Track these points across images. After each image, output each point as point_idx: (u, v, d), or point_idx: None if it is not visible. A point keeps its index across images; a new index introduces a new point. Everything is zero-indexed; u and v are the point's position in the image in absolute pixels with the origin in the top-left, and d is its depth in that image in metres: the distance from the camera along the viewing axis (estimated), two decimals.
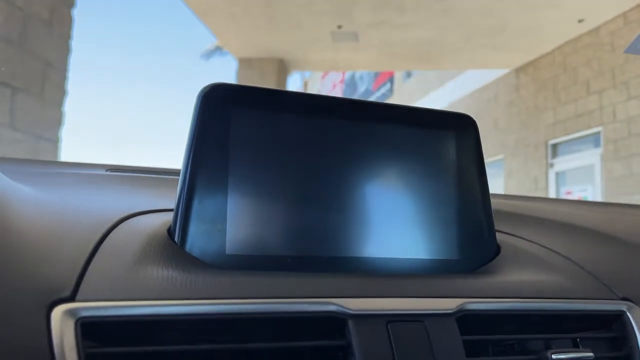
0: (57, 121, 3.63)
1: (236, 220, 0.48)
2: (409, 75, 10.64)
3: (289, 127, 0.51)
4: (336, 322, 0.43)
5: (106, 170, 0.72)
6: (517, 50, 6.59)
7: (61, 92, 3.63)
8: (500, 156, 7.37)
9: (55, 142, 3.55)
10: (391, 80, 11.69)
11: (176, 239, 0.47)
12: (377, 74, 12.30)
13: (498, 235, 0.60)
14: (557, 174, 6.37)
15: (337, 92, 14.69)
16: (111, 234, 0.45)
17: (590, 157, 5.84)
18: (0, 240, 0.38)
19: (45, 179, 0.51)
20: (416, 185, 0.54)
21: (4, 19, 3.08)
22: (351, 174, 0.52)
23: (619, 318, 0.53)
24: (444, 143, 0.56)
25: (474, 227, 0.56)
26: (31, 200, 0.47)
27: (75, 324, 0.36)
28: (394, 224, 0.53)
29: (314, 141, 0.51)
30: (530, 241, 0.63)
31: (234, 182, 0.48)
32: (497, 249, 0.58)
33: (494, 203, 0.59)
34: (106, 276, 0.40)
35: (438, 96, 9.17)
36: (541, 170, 6.52)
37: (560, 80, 6.29)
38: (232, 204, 0.48)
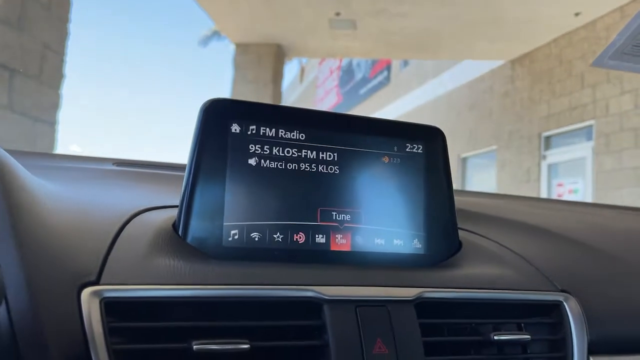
0: (54, 104, 3.66)
1: (232, 217, 0.56)
2: (406, 63, 10.66)
3: (280, 136, 0.60)
4: (313, 306, 0.52)
5: (113, 164, 0.78)
6: (514, 41, 6.63)
7: (59, 75, 3.66)
8: (494, 147, 7.44)
9: (52, 124, 3.58)
10: (388, 68, 11.71)
11: (180, 233, 0.55)
12: (374, 62, 12.31)
13: (461, 233, 0.68)
14: (550, 166, 6.46)
15: (334, 79, 14.70)
16: (126, 228, 0.53)
17: (583, 150, 5.92)
18: (36, 235, 0.45)
19: (58, 173, 0.57)
20: (389, 189, 0.63)
21: (3, 1, 3.09)
22: (333, 179, 0.61)
23: (557, 307, 0.62)
24: (415, 151, 0.65)
25: (439, 226, 0.64)
26: (54, 195, 0.54)
27: (100, 302, 0.45)
28: (367, 221, 0.62)
29: (301, 149, 0.61)
30: (488, 238, 0.72)
31: (230, 185, 0.56)
32: (459, 246, 0.67)
33: (460, 201, 0.66)
34: (123, 264, 0.48)
35: (434, 85, 9.21)
36: (534, 162, 6.60)
37: (555, 73, 6.34)
38: (228, 204, 0.56)
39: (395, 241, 0.62)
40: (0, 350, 0.40)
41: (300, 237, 0.58)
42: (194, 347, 0.46)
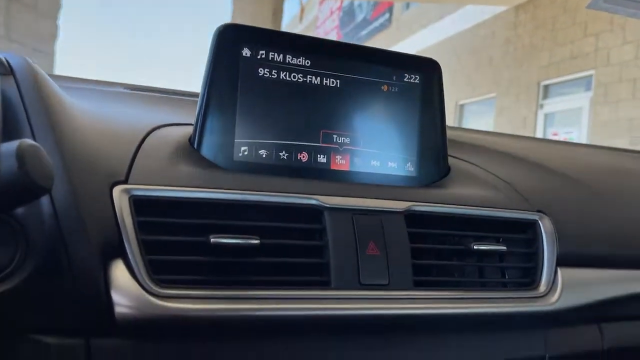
0: (51, 34, 3.62)
1: (242, 135, 0.62)
2: (408, 6, 10.43)
3: (288, 62, 0.64)
4: (315, 212, 0.60)
5: (123, 88, 0.82)
6: None
7: (56, 5, 3.60)
8: (493, 94, 7.43)
9: (51, 55, 3.56)
10: (390, 10, 11.46)
11: (195, 146, 0.61)
12: (375, 3, 12.03)
13: (450, 160, 0.75)
14: (546, 115, 6.48)
15: (334, 20, 14.39)
16: (147, 139, 0.59)
17: (580, 100, 5.93)
18: (72, 137, 0.51)
19: (72, 92, 0.62)
20: (386, 116, 0.69)
21: None
22: (335, 104, 0.67)
23: (533, 225, 0.70)
24: (412, 82, 0.70)
25: (430, 151, 0.71)
26: (82, 110, 0.59)
27: (129, 199, 0.51)
28: (365, 144, 0.68)
29: (307, 75, 0.65)
30: (474, 165, 0.78)
31: (241, 105, 0.62)
32: (448, 170, 0.73)
33: (452, 134, 0.72)
34: (148, 169, 0.55)
35: (436, 29, 9.06)
36: (531, 110, 6.61)
37: (558, 21, 6.25)
38: (239, 122, 0.62)
39: (389, 163, 0.69)
40: (47, 238, 0.46)
41: (303, 156, 0.65)
42: (211, 240, 0.53)
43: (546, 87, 6.50)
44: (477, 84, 7.80)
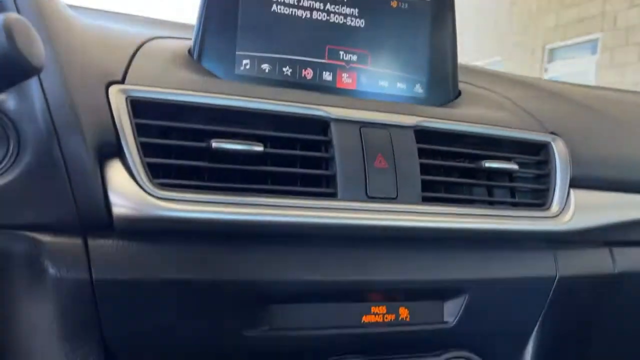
0: None
1: (244, 47, 0.59)
2: None
3: None
4: (322, 124, 0.57)
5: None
6: None
7: None
8: (498, 58, 7.32)
9: None
10: None
11: (195, 57, 0.58)
12: None
13: (461, 85, 0.72)
14: (551, 79, 6.39)
15: None
16: (144, 46, 0.57)
17: (586, 64, 5.85)
18: (67, 38, 0.48)
19: (75, 9, 0.60)
20: (396, 34, 0.65)
21: None
22: (342, 19, 0.63)
23: (546, 147, 0.67)
24: (424, 3, 0.67)
25: (440, 73, 0.68)
26: (76, 16, 0.56)
27: (126, 100, 0.49)
28: (373, 63, 0.65)
29: None
30: (487, 89, 0.76)
31: (243, 16, 0.59)
32: (458, 94, 0.70)
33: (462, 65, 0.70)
34: (145, 72, 0.52)
35: None
36: (535, 74, 6.53)
37: None
38: (241, 34, 0.59)
39: (398, 84, 0.66)
40: (40, 134, 0.44)
41: (308, 73, 0.61)
42: (213, 145, 0.50)
43: (551, 50, 6.40)
44: (482, 48, 7.69)
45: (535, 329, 0.66)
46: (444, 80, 0.68)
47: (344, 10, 0.63)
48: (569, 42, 6.06)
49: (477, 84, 0.77)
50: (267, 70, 0.60)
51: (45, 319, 0.45)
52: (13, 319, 0.46)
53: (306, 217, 0.52)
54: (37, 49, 0.36)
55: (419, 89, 0.67)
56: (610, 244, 0.71)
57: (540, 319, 0.66)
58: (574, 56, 6.10)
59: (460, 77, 0.73)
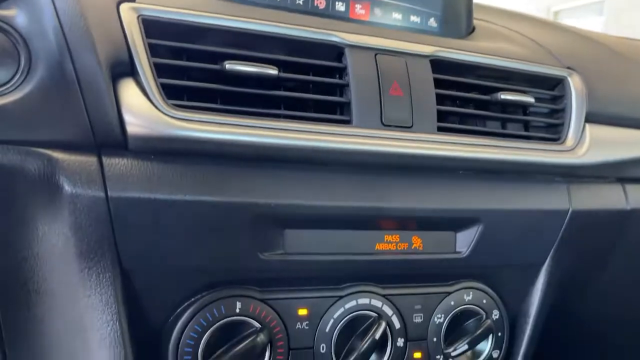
0: None
1: None
2: None
3: None
4: (336, 49, 0.56)
5: None
6: None
7: None
8: None
9: None
10: None
11: None
12: None
13: (476, 21, 0.70)
14: None
15: None
16: None
17: (592, 25, 5.77)
18: None
19: None
20: None
21: None
22: None
23: (562, 82, 0.67)
24: None
25: (454, 6, 0.66)
26: None
27: (138, 19, 0.48)
28: None
29: None
30: (502, 26, 0.74)
31: None
32: (473, 29, 0.69)
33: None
34: None
35: None
36: None
37: None
38: None
39: (412, 17, 0.64)
40: (52, 50, 0.43)
41: (320, 3, 0.60)
42: (227, 67, 0.50)
43: (556, 13, 6.31)
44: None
45: (547, 261, 0.66)
46: (458, 14, 0.66)
47: None
48: (575, 3, 5.97)
49: (491, 21, 0.75)
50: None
51: (61, 237, 0.45)
52: (30, 237, 0.46)
53: (321, 142, 0.51)
54: None
55: (433, 23, 0.65)
56: (624, 180, 0.70)
57: (552, 252, 0.66)
58: (579, 18, 6.01)
59: (476, 14, 0.71)
